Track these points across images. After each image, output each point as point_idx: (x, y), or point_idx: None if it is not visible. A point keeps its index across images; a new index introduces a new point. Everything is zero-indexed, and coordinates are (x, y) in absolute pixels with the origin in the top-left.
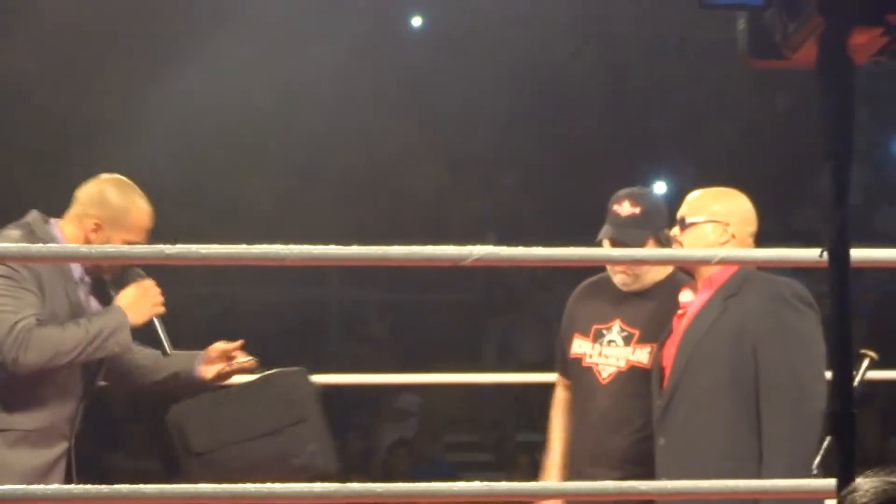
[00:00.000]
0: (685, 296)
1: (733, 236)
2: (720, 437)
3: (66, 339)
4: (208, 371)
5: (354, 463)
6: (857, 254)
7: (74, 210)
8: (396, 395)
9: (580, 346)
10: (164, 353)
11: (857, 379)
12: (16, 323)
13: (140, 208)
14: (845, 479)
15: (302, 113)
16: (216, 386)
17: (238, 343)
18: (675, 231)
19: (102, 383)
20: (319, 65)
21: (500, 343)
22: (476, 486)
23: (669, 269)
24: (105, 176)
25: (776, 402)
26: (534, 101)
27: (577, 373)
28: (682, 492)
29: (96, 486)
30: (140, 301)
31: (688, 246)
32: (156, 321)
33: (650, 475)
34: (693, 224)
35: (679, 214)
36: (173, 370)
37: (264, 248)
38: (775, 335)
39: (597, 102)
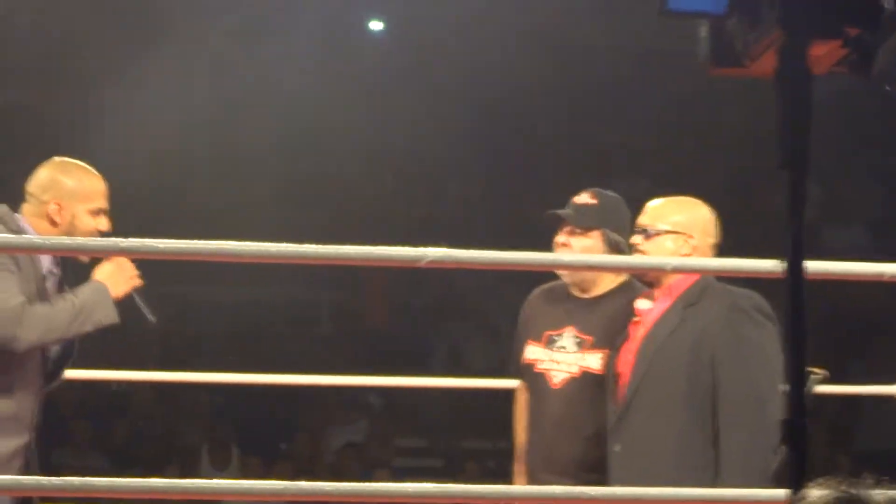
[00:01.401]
0: (642, 303)
1: (695, 248)
2: (675, 446)
3: (57, 315)
4: None
5: (303, 465)
6: (813, 266)
7: (30, 202)
8: (347, 397)
9: (532, 352)
10: (150, 320)
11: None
12: (4, 303)
13: (91, 175)
14: (797, 489)
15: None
16: None
17: None
18: (637, 239)
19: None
20: (277, 66)
21: (450, 349)
22: (428, 487)
23: (623, 276)
24: (45, 163)
25: (732, 413)
26: (486, 110)
27: (529, 378)
28: (632, 499)
29: (49, 479)
30: (117, 274)
31: (653, 254)
32: (134, 293)
33: (602, 482)
34: (655, 234)
35: (640, 222)
36: None
37: (220, 245)
38: (733, 347)
39: (550, 113)
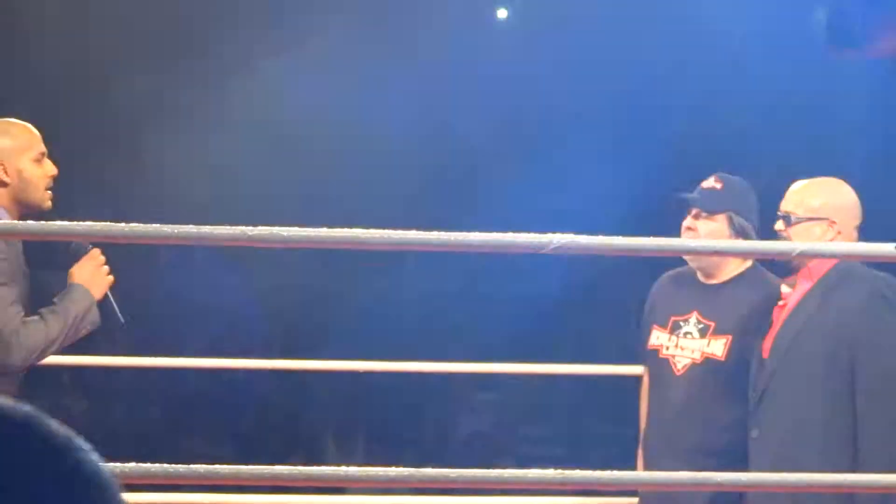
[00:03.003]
0: (785, 288)
1: (839, 233)
2: (813, 431)
3: (52, 333)
4: None
5: (428, 454)
6: None
7: None
8: (474, 385)
9: (657, 338)
10: (121, 322)
11: None
12: (1, 329)
13: (18, 125)
14: None
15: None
16: None
17: None
18: (780, 225)
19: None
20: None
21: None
22: (548, 473)
23: (749, 261)
24: None
25: (871, 400)
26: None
27: (653, 364)
28: (759, 484)
29: (174, 466)
30: (96, 274)
31: (796, 241)
32: (108, 293)
33: (721, 467)
34: (797, 221)
35: (782, 209)
36: None
37: (352, 233)
38: (872, 333)
39: (678, 99)
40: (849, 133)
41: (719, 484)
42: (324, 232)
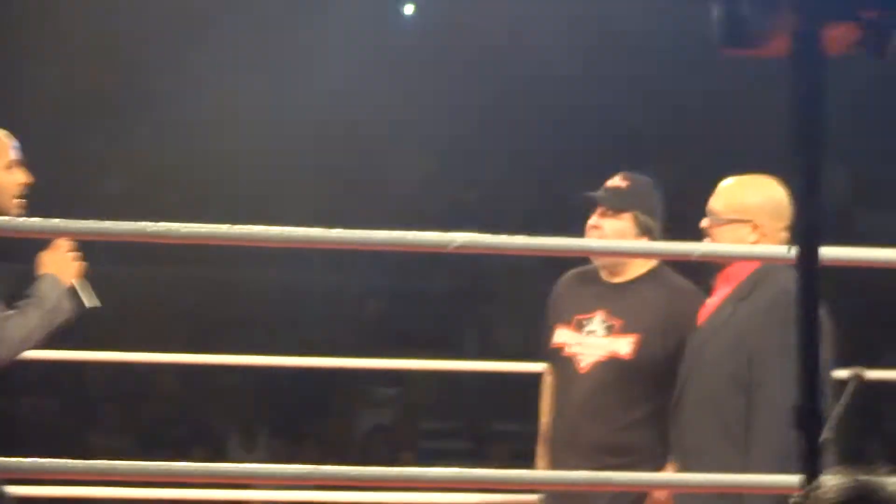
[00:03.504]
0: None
1: (764, 235)
2: (716, 439)
3: (29, 325)
4: None
5: (331, 448)
6: (828, 251)
7: None
8: (376, 380)
9: (562, 336)
10: (91, 306)
11: (846, 398)
12: None
13: None
14: (810, 476)
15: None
16: None
17: None
18: (705, 223)
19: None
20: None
21: (481, 332)
22: (451, 471)
23: (654, 261)
24: None
25: (764, 417)
26: (518, 93)
27: (557, 362)
28: (654, 484)
29: (74, 462)
30: (64, 262)
31: (719, 242)
32: (75, 279)
33: (625, 466)
34: (723, 223)
35: (710, 206)
36: None
37: (248, 229)
38: (770, 348)
39: (583, 95)
40: (753, 131)
41: (619, 483)
42: (222, 229)
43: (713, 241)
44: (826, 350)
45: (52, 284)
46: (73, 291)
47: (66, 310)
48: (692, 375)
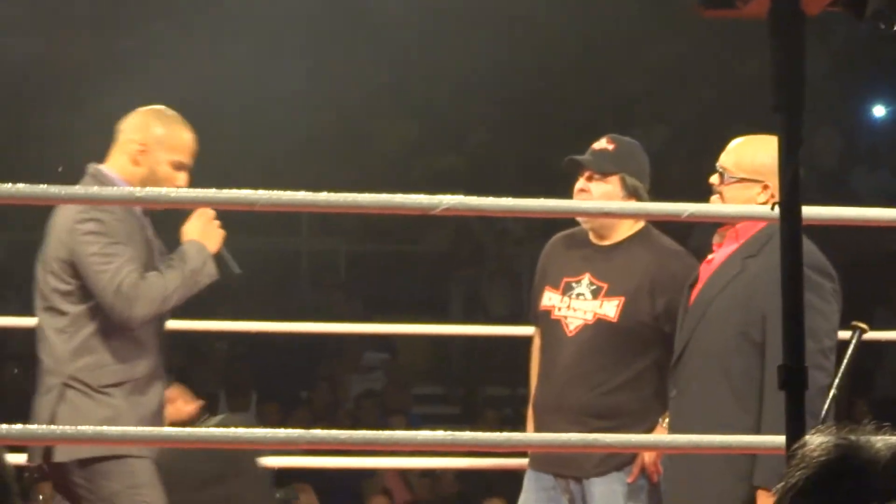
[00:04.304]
0: (717, 238)
1: (773, 196)
2: (724, 398)
3: (169, 285)
4: None
5: (321, 413)
6: (810, 210)
7: (118, 141)
8: (364, 346)
9: (550, 299)
10: (236, 272)
11: (850, 354)
12: (120, 284)
13: (183, 128)
14: (796, 435)
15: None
16: None
17: None
18: (714, 179)
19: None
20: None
21: (468, 296)
22: (441, 435)
23: (641, 222)
24: (144, 108)
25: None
26: (503, 59)
27: (546, 325)
28: (645, 446)
29: (62, 428)
30: (208, 229)
31: (728, 200)
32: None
33: (612, 429)
34: (732, 181)
35: (720, 163)
36: None
37: (234, 193)
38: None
39: (566, 60)
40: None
41: (608, 445)
42: (209, 193)
43: (721, 198)
44: (836, 316)
45: (197, 251)
46: (217, 257)
47: (209, 274)
48: (697, 331)
